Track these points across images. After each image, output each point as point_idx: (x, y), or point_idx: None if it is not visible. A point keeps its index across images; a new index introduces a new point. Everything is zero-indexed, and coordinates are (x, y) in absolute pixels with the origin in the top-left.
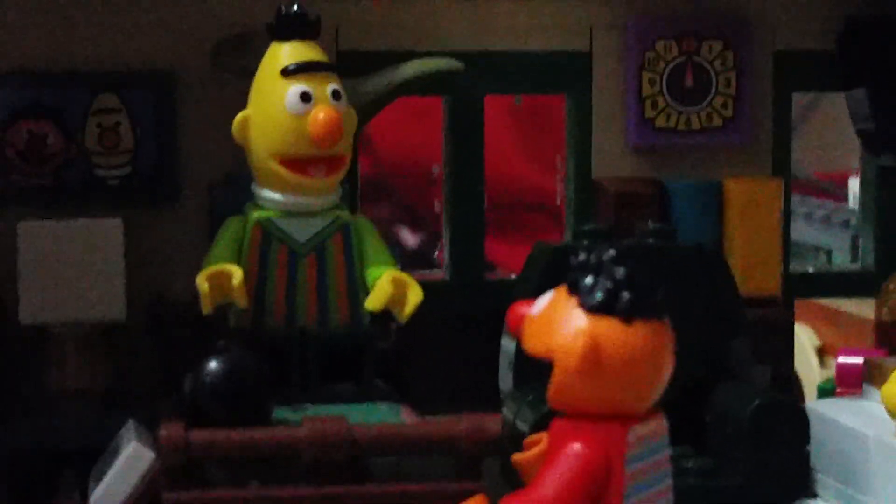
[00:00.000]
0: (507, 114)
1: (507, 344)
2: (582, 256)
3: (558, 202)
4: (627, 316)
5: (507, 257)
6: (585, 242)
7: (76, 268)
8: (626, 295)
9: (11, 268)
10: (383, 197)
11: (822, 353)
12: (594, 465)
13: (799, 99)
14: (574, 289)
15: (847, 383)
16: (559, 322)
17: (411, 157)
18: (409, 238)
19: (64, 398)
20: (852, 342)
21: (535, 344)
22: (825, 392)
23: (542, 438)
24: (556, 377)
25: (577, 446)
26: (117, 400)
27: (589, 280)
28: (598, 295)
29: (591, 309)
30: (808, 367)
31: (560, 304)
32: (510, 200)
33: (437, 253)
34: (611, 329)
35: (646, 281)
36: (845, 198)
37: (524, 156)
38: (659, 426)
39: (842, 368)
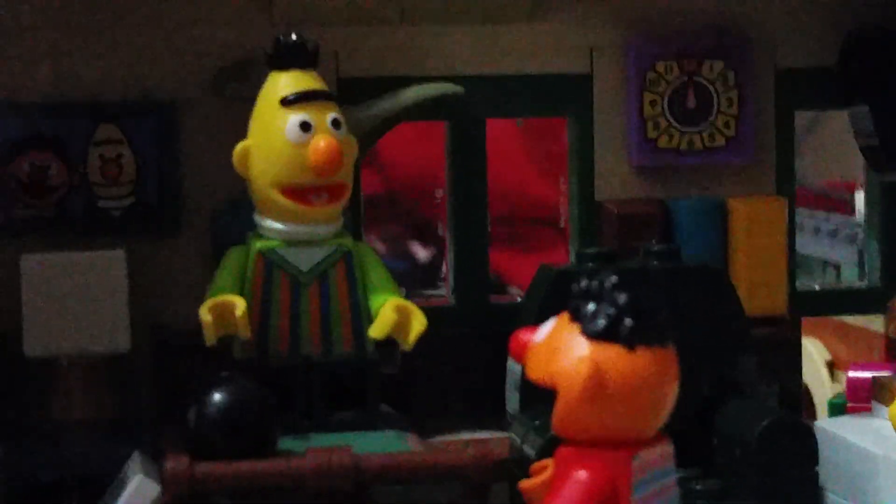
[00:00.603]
0: (517, 129)
1: (513, 365)
2: (584, 283)
3: (561, 224)
4: (630, 343)
5: (515, 271)
6: (589, 265)
7: (80, 299)
8: (628, 322)
9: (15, 300)
10: (394, 212)
11: (833, 366)
12: (600, 492)
13: (801, 116)
14: (576, 316)
15: (858, 398)
16: (562, 350)
17: (420, 175)
18: (420, 252)
19: (69, 429)
20: (862, 355)
21: (538, 372)
22: (836, 407)
23: (549, 465)
24: (560, 405)
25: (582, 474)
26: (122, 430)
27: (591, 307)
28: (601, 322)
29: (594, 336)
30: (819, 382)
31: (563, 332)
32: (519, 214)
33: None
34: (614, 356)
35: (649, 307)
36: (853, 208)
37: (533, 169)
38: (665, 451)
39: (853, 383)
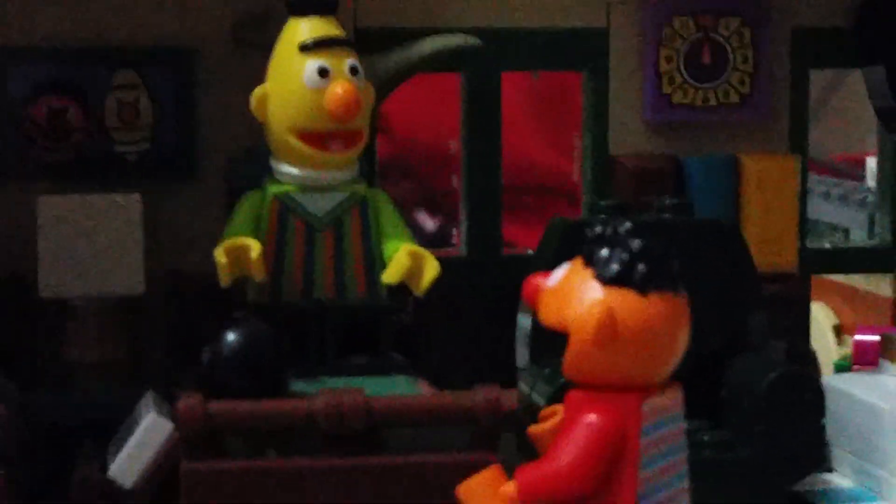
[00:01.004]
0: (524, 95)
1: (524, 319)
2: (598, 229)
3: (575, 179)
4: (643, 287)
5: (523, 239)
6: (602, 217)
7: (95, 242)
8: (641, 266)
9: (31, 242)
10: (401, 179)
11: (839, 331)
12: (609, 436)
13: (817, 81)
14: (590, 261)
15: (864, 360)
16: (575, 294)
17: (429, 138)
18: (428, 222)
19: (83, 371)
20: (869, 320)
21: (550, 315)
22: (842, 369)
23: (558, 410)
24: (572, 348)
25: (592, 417)
26: (136, 372)
27: (605, 252)
28: (614, 266)
29: (607, 280)
30: (825, 345)
31: (576, 276)
32: (527, 183)
33: (454, 238)
34: (626, 300)
35: (662, 253)
36: (863, 179)
37: (541, 138)
38: (674, 398)
39: (859, 345)
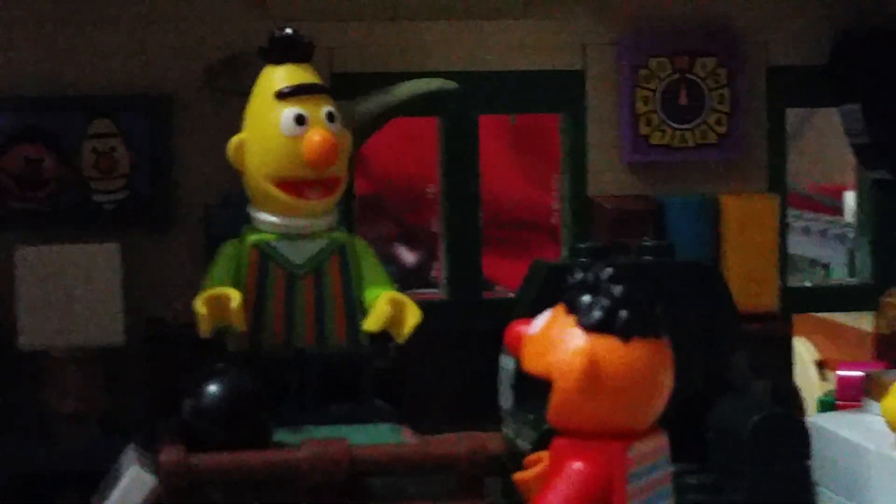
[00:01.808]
0: (504, 133)
1: (507, 361)
2: (579, 275)
3: (554, 220)
4: (626, 334)
5: (505, 275)
6: (582, 260)
7: (74, 292)
8: (623, 313)
9: (9, 293)
10: (381, 216)
11: (822, 366)
12: (595, 484)
13: (793, 113)
14: (572, 307)
15: (848, 396)
16: (557, 341)
17: (407, 177)
18: (408, 256)
19: (63, 421)
20: (852, 355)
21: (533, 363)
22: (826, 405)
23: (543, 457)
24: (556, 396)
25: (577, 465)
26: (116, 423)
27: (587, 299)
28: (596, 313)
29: (590, 327)
30: (808, 381)
31: (558, 323)
32: (508, 219)
33: (433, 271)
34: (609, 347)
35: (643, 299)
36: (841, 211)
37: (521, 174)
38: (660, 443)
39: (842, 381)
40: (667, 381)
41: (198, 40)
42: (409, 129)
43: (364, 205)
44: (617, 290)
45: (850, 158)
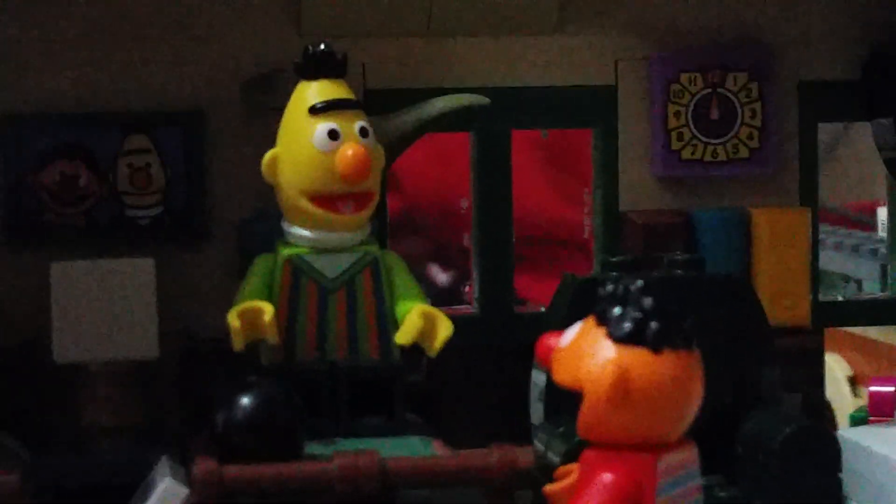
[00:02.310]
0: (536, 149)
1: (538, 376)
2: (610, 287)
3: (586, 235)
4: (656, 346)
5: (536, 292)
6: (613, 274)
7: (109, 307)
8: (654, 325)
9: (45, 307)
10: (413, 235)
11: (854, 382)
12: (625, 495)
13: (826, 128)
14: (602, 319)
15: (880, 411)
16: (588, 353)
17: (439, 194)
18: (440, 275)
19: (98, 435)
20: (884, 370)
21: (564, 375)
22: (858, 421)
23: (573, 469)
24: (586, 407)
25: (607, 476)
26: (150, 436)
27: (617, 310)
28: (627, 325)
29: (620, 339)
30: (840, 397)
31: (589, 335)
32: (539, 235)
33: (465, 290)
34: (640, 359)
35: (674, 310)
36: (874, 227)
37: (552, 191)
38: (690, 455)
39: (875, 396)
40: (697, 394)
41: (232, 56)
42: (442, 145)
43: (397, 224)
44: (647, 301)
45: (882, 176)
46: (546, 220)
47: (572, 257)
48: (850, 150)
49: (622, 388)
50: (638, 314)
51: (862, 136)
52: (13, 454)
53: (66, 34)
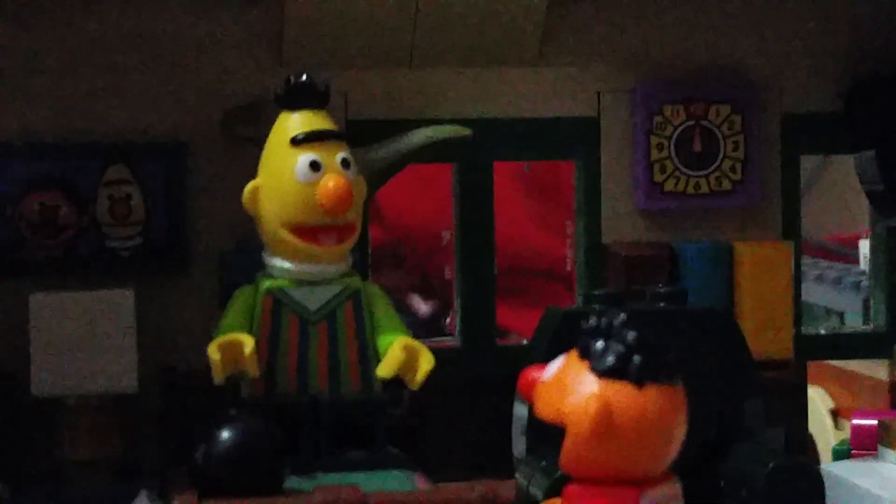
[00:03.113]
0: (518, 180)
1: (520, 409)
2: (593, 321)
3: (568, 267)
4: (639, 380)
5: (519, 324)
6: (596, 307)
7: (88, 339)
8: (637, 359)
9: (23, 340)
10: (395, 265)
11: (837, 414)
12: None
13: (806, 160)
14: (585, 353)
15: (863, 445)
16: (571, 386)
17: (421, 225)
18: (421, 306)
19: (77, 468)
20: (866, 403)
21: (547, 408)
22: (840, 454)
23: None
24: (569, 442)
25: None
26: (129, 470)
27: (600, 344)
28: (610, 359)
29: (603, 373)
30: (823, 429)
31: (571, 369)
32: (522, 267)
33: (447, 321)
34: (622, 393)
35: (657, 344)
36: (856, 260)
37: (535, 222)
38: (673, 490)
39: (857, 430)
40: (680, 427)
41: (213, 88)
42: (420, 177)
43: (379, 254)
44: (630, 335)
45: (864, 209)
46: (528, 251)
47: (555, 289)
48: (830, 183)
49: (605, 422)
50: (621, 348)
51: (841, 168)
52: None
53: (47, 64)
